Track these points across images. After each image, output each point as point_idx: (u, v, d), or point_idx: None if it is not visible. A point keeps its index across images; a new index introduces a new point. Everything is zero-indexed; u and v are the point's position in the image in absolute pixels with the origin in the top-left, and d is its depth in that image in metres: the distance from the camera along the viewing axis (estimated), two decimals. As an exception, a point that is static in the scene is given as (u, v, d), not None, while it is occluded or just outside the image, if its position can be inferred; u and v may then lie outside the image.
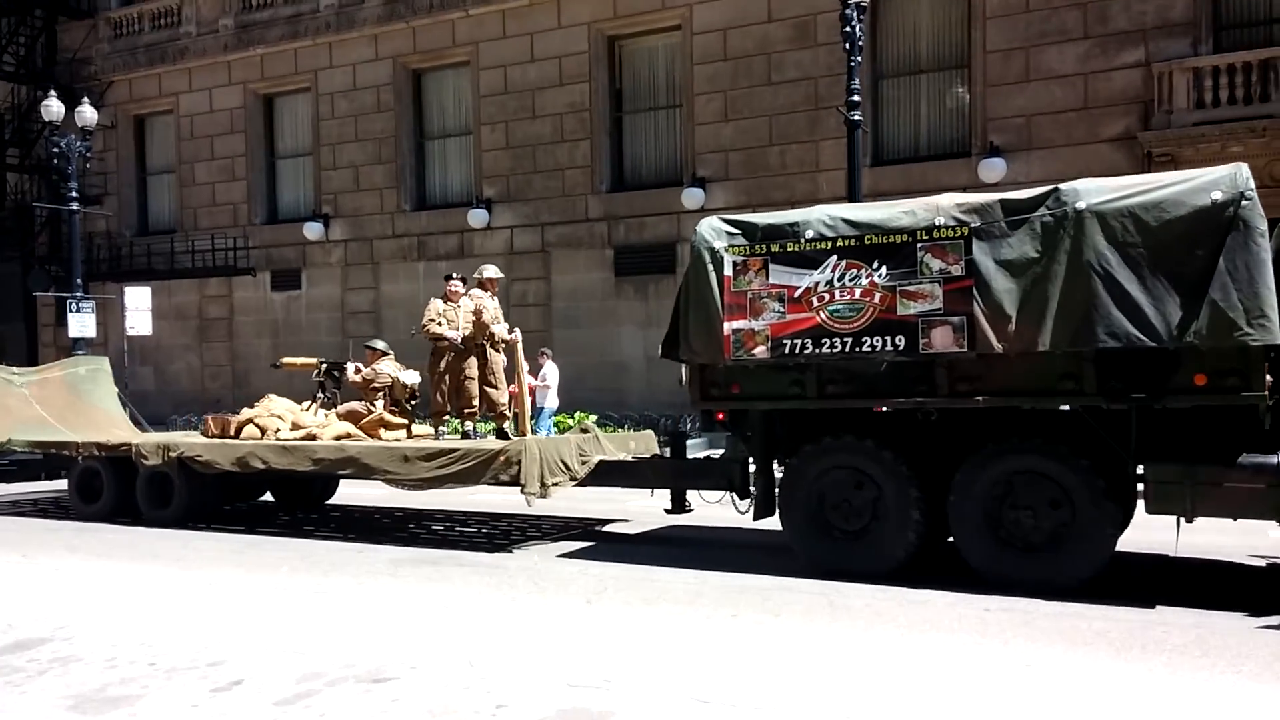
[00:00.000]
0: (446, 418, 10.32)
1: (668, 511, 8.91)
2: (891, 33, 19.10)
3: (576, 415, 17.40)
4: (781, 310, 7.40)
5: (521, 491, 8.43)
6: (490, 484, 8.80)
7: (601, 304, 21.06)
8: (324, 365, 11.63)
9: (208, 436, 10.75)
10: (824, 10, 18.48)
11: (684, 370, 8.13)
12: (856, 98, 14.61)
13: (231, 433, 10.54)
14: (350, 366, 11.23)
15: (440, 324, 9.87)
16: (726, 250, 7.60)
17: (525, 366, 9.96)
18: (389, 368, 10.91)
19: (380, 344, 11.29)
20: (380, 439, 10.05)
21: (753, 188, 19.55)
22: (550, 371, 16.57)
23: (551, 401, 16.45)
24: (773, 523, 8.04)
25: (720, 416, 8.03)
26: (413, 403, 10.87)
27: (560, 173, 21.43)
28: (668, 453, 9.40)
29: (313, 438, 9.97)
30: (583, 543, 9.11)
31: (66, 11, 27.75)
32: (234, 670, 5.23)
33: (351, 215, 24.02)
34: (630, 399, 20.22)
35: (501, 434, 9.95)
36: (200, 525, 10.25)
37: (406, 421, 10.57)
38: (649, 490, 9.31)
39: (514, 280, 21.84)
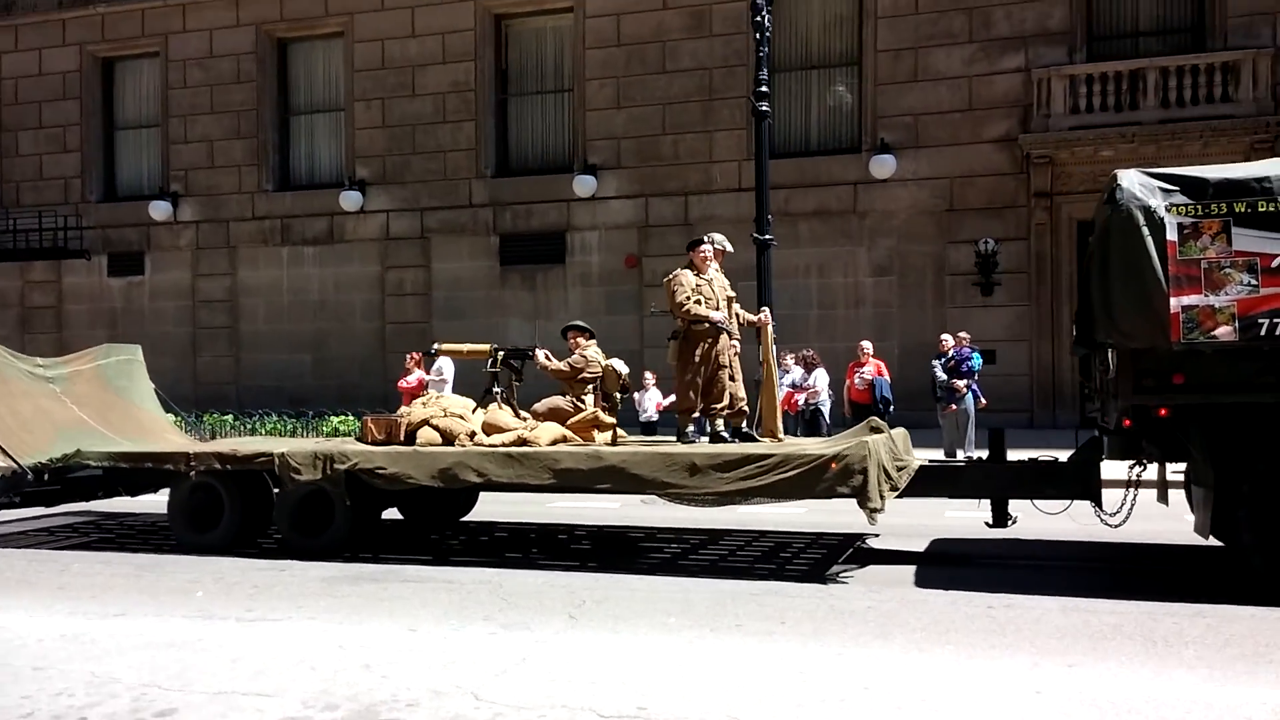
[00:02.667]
0: (696, 416, 8.51)
1: (989, 525, 7.79)
2: (784, 27, 19.07)
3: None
4: (1253, 283, 6.16)
5: (864, 507, 7.01)
6: (821, 498, 7.30)
7: (486, 294, 20.25)
8: (500, 353, 9.40)
9: (370, 442, 8.53)
10: (720, 0, 18.32)
11: (1111, 356, 6.82)
12: (764, 88, 14.36)
13: (401, 437, 8.43)
14: (540, 353, 9.11)
15: (699, 302, 8.05)
16: (1168, 210, 6.32)
17: (774, 351, 8.40)
18: (598, 354, 9.03)
19: (583, 325, 9.31)
20: (594, 442, 8.32)
21: (646, 177, 19.21)
22: (446, 365, 15.67)
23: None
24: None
25: (1163, 413, 6.62)
26: (623, 396, 9.13)
27: (442, 155, 20.49)
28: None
29: (524, 442, 8.07)
30: (889, 566, 7.76)
31: None
32: None
33: (205, 194, 22.26)
34: (517, 393, 19.46)
35: (741, 434, 8.35)
36: (365, 556, 8.25)
37: (614, 421, 8.80)
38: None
39: (389, 268, 20.80)
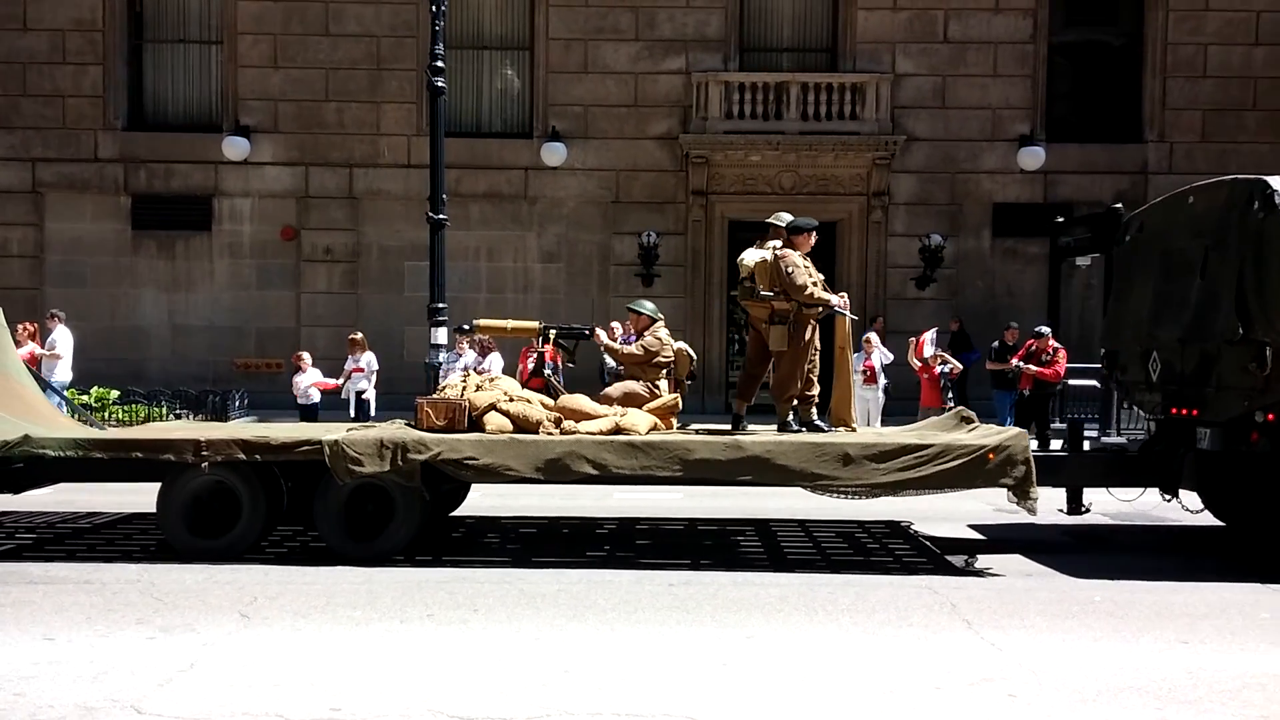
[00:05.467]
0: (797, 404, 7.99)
1: (1064, 512, 7.83)
2: (457, 3, 18.68)
3: (94, 391, 14.72)
4: None
5: (1023, 498, 6.95)
6: (977, 488, 7.18)
7: (114, 260, 18.06)
8: (550, 332, 8.50)
9: (428, 429, 7.30)
10: (388, -35, 17.66)
11: (1268, 354, 6.85)
12: (440, 63, 13.97)
13: (465, 423, 7.34)
14: (601, 333, 8.43)
15: (817, 284, 7.71)
16: None
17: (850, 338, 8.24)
18: (668, 337, 8.36)
19: (649, 306, 8.48)
20: (672, 429, 7.75)
21: (307, 144, 18.05)
22: (62, 338, 13.76)
23: (63, 374, 13.64)
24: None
25: None
26: (690, 382, 8.43)
27: (61, 100, 17.96)
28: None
29: (619, 430, 7.28)
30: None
31: None
32: None
33: None
34: (151, 371, 17.62)
35: (813, 424, 7.90)
36: (425, 560, 7.13)
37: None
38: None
39: (-10, 225, 17.93)
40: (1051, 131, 18.31)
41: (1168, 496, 7.98)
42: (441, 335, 13.59)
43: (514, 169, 18.28)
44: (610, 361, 13.92)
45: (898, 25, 18.26)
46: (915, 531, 8.59)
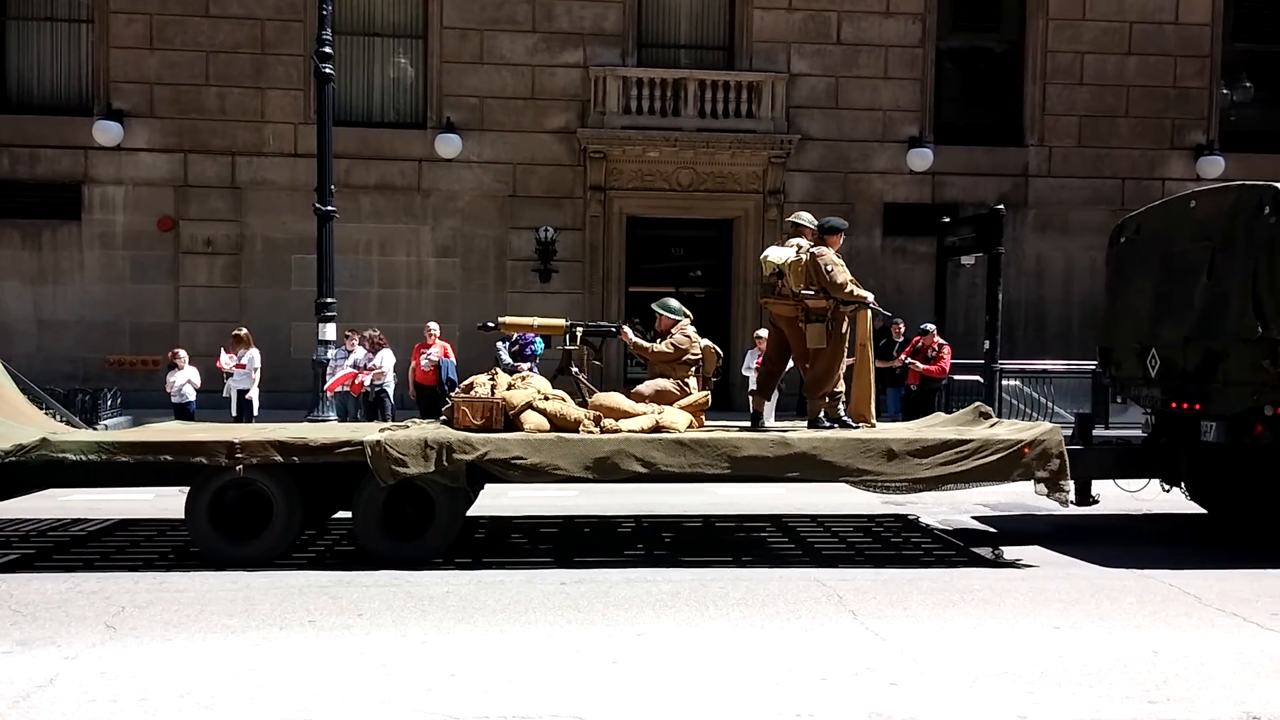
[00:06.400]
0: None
1: (1074, 504, 7.70)
2: (346, -12, 18.22)
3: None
4: None
5: (1057, 490, 7.16)
6: (1013, 481, 7.32)
7: (-26, 251, 17.01)
8: (577, 329, 8.40)
9: (463, 428, 7.17)
10: (273, -53, 17.05)
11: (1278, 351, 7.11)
12: (328, 49, 13.55)
13: (502, 423, 7.23)
14: (628, 330, 8.42)
15: (854, 280, 7.96)
16: None
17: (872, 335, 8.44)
18: (695, 334, 8.32)
19: (675, 304, 8.48)
20: (703, 426, 7.85)
21: (185, 130, 17.30)
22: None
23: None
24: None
25: None
26: (715, 380, 8.33)
27: (-85, 78, 16.80)
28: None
29: (660, 428, 7.31)
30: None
31: None
32: None
33: None
34: (14, 368, 16.58)
35: (842, 421, 8.03)
36: (464, 561, 7.08)
37: None
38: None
39: None
40: (939, 134, 18.82)
41: (1167, 487, 8.43)
42: (330, 331, 13.20)
43: (407, 160, 17.89)
44: (506, 357, 13.76)
45: (793, 25, 18.51)
46: (927, 525, 8.77)
